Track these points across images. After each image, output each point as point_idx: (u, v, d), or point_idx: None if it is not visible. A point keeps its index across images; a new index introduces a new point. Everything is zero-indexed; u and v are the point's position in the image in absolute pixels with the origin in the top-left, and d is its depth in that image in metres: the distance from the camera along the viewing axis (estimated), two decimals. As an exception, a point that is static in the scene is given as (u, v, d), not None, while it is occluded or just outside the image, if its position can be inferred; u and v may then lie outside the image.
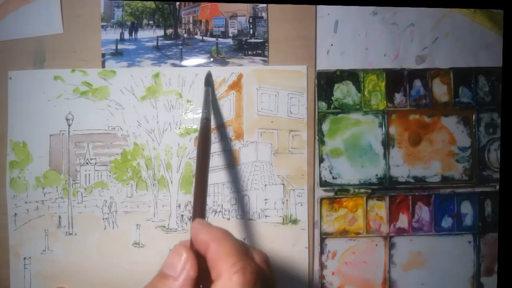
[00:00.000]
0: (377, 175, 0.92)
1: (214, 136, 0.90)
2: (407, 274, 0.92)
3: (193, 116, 0.90)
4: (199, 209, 0.63)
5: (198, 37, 0.91)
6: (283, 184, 0.90)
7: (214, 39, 0.91)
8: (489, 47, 0.92)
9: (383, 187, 0.92)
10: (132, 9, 0.90)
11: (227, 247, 0.53)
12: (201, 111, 0.82)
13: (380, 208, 0.92)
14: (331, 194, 0.91)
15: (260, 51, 0.90)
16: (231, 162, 0.90)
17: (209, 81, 0.88)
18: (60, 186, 0.88)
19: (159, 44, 0.91)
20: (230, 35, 0.91)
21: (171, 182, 0.89)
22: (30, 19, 0.88)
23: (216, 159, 0.90)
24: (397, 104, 0.92)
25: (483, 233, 0.92)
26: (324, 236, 0.91)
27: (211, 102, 0.86)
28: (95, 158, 0.89)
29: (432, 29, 0.92)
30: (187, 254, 0.54)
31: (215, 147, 0.90)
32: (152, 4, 0.90)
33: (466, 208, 0.93)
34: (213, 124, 0.89)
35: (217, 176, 0.90)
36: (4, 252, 0.88)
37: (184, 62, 0.90)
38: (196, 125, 0.89)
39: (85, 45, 0.89)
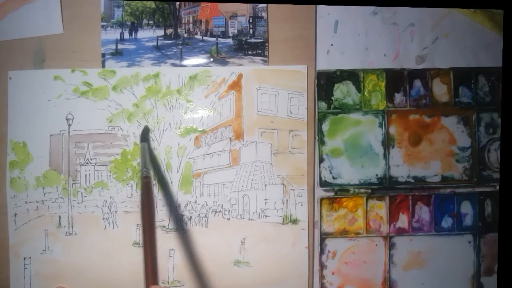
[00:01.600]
0: (377, 175, 0.92)
1: (214, 136, 0.90)
2: (407, 274, 0.92)
3: (193, 116, 0.89)
4: (151, 275, 0.62)
5: (198, 37, 0.91)
6: (283, 184, 0.90)
7: (214, 39, 0.91)
8: (489, 47, 0.92)
9: (383, 187, 0.92)
10: (132, 9, 0.90)
11: None
12: (144, 164, 0.81)
13: (380, 208, 0.92)
14: (331, 194, 0.91)
15: (260, 51, 0.90)
16: (231, 162, 0.90)
17: (145, 137, 0.88)
18: (60, 186, 0.88)
19: (159, 44, 0.91)
20: (230, 35, 0.91)
21: (171, 182, 0.89)
22: (30, 19, 0.88)
23: (216, 159, 0.90)
24: (397, 104, 0.92)
25: (483, 233, 0.93)
26: (324, 236, 0.91)
27: (149, 159, 0.86)
28: (95, 158, 0.89)
29: (432, 29, 0.92)
30: None
31: (215, 147, 0.90)
32: (152, 4, 0.90)
33: (466, 208, 0.93)
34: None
35: (217, 176, 0.90)
36: (4, 252, 0.88)
37: (184, 62, 0.90)
38: (196, 125, 0.89)
39: (85, 45, 0.89)
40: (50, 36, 0.88)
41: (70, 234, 0.88)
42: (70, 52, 0.89)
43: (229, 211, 0.90)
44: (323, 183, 0.91)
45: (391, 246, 0.92)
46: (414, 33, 0.91)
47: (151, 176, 0.78)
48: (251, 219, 0.90)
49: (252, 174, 0.90)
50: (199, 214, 0.89)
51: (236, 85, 0.90)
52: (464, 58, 0.92)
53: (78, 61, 0.89)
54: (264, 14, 0.90)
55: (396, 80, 0.92)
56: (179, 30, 0.91)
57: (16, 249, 0.88)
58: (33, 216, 0.88)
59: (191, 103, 0.90)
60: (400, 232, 0.92)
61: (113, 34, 0.90)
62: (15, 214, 0.88)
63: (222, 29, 0.91)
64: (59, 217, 0.88)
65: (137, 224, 0.88)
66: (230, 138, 0.90)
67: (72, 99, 0.89)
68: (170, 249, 0.88)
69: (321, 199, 0.91)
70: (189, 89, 0.89)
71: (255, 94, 0.90)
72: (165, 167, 0.89)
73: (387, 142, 0.91)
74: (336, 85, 0.91)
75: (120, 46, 0.90)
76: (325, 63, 0.91)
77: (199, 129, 0.89)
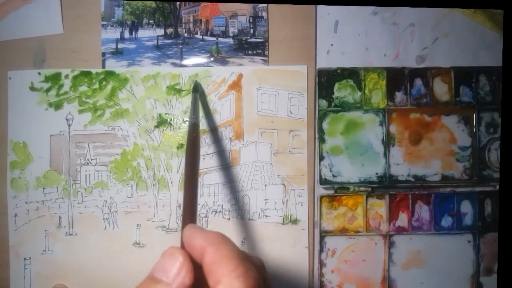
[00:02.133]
0: (377, 173, 0.92)
1: (214, 136, 0.90)
2: (406, 273, 0.92)
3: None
4: (190, 214, 0.60)
5: (198, 36, 0.91)
6: (283, 184, 0.90)
7: (214, 38, 0.91)
8: (489, 47, 0.92)
9: (383, 185, 0.92)
10: (132, 8, 0.90)
11: (226, 251, 0.49)
12: (193, 112, 0.80)
13: (380, 207, 0.92)
14: (331, 192, 0.91)
15: (260, 51, 0.90)
16: (231, 162, 0.90)
17: (197, 88, 0.87)
18: (60, 186, 0.88)
19: (159, 43, 0.91)
20: (230, 34, 0.91)
21: (171, 182, 0.89)
22: (30, 19, 0.88)
23: (216, 159, 0.90)
24: (397, 102, 0.92)
25: (483, 232, 0.93)
26: (323, 234, 0.91)
27: (199, 108, 0.86)
28: (96, 158, 0.89)
29: (432, 29, 0.91)
30: (183, 259, 0.50)
31: (215, 147, 0.90)
32: (152, 3, 0.90)
33: (466, 207, 0.93)
34: (207, 127, 0.90)
35: (217, 176, 0.90)
36: (4, 253, 0.88)
37: (184, 62, 0.90)
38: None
39: (85, 45, 0.89)
40: (50, 36, 0.88)
41: (71, 234, 0.88)
42: (70, 52, 0.88)
43: (229, 211, 0.90)
44: (323, 181, 0.91)
45: (391, 245, 0.92)
46: (414, 33, 0.91)
47: (198, 123, 0.77)
48: (251, 219, 0.90)
49: (252, 174, 0.90)
50: (199, 214, 0.89)
51: (236, 85, 0.90)
52: (464, 58, 0.92)
53: (78, 61, 0.89)
54: (264, 14, 0.90)
55: (397, 78, 0.91)
56: (179, 29, 0.91)
57: (16, 250, 0.88)
58: (34, 216, 0.88)
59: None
60: (400, 230, 0.92)
61: (113, 33, 0.90)
62: (15, 215, 0.88)
63: (223, 28, 0.91)
64: (59, 217, 0.88)
65: (137, 224, 0.88)
66: (230, 138, 0.90)
67: (72, 99, 0.89)
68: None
69: (321, 197, 0.91)
70: (189, 89, 0.89)
71: (255, 94, 0.90)
72: (165, 167, 0.90)
73: (388, 141, 0.91)
74: (336, 83, 0.91)
75: (120, 45, 0.90)
76: (325, 63, 0.90)
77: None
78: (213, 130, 0.90)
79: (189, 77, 0.89)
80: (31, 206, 0.88)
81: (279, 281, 0.90)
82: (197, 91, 0.87)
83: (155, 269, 0.51)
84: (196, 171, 0.68)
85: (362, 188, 0.92)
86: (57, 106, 0.88)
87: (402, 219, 0.92)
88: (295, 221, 0.90)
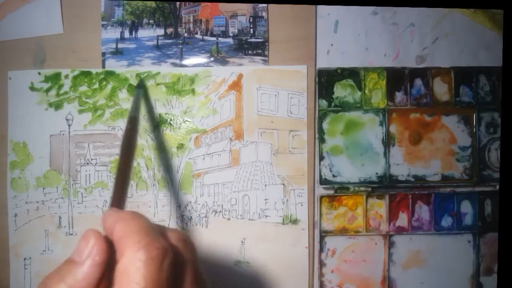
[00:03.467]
0: (377, 173, 0.92)
1: (214, 136, 0.90)
2: (406, 273, 0.92)
3: (193, 116, 0.89)
4: (116, 199, 0.61)
5: (199, 36, 0.91)
6: (283, 184, 0.90)
7: (214, 38, 0.91)
8: (489, 47, 0.92)
9: (383, 185, 0.92)
10: (132, 8, 0.90)
11: (133, 226, 0.50)
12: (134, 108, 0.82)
13: (380, 207, 0.92)
14: (331, 192, 0.91)
15: (260, 51, 0.90)
16: (231, 162, 0.90)
17: (140, 85, 0.89)
18: (60, 186, 0.88)
19: (159, 43, 0.91)
20: (230, 34, 0.91)
21: (171, 182, 0.89)
22: (30, 19, 0.88)
23: (216, 159, 0.90)
24: (397, 102, 0.92)
25: (483, 232, 0.93)
26: (323, 234, 0.91)
27: (141, 104, 0.87)
28: (96, 158, 0.89)
29: (432, 29, 0.91)
30: (95, 239, 0.49)
31: (216, 147, 0.90)
32: (152, 3, 0.90)
33: (466, 207, 0.93)
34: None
35: (217, 176, 0.90)
36: (4, 253, 0.88)
37: (184, 62, 0.90)
38: (196, 125, 0.90)
39: (85, 45, 0.89)
40: (50, 36, 0.88)
41: (71, 234, 0.88)
42: (70, 52, 0.89)
43: (229, 211, 0.90)
44: (323, 181, 0.91)
45: (391, 245, 0.92)
46: (414, 33, 0.91)
47: (138, 118, 0.78)
48: (251, 219, 0.90)
49: (252, 174, 0.90)
50: (199, 214, 0.89)
51: (236, 85, 0.90)
52: (464, 59, 0.92)
53: (78, 61, 0.89)
54: (264, 14, 0.90)
55: (397, 78, 0.91)
56: (179, 29, 0.91)
57: (16, 250, 0.88)
58: (34, 216, 0.88)
59: (191, 103, 0.89)
60: (400, 230, 0.92)
61: (113, 33, 0.90)
62: (16, 215, 0.88)
63: (223, 28, 0.91)
64: (60, 217, 0.88)
65: (137, 224, 0.89)
66: (230, 138, 0.90)
67: (72, 99, 0.89)
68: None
69: (321, 197, 0.91)
70: (189, 89, 0.89)
71: (255, 94, 0.90)
72: (165, 167, 0.90)
73: (388, 141, 0.91)
74: (336, 83, 0.91)
75: (120, 45, 0.90)
76: (325, 63, 0.90)
77: (199, 129, 0.89)
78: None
79: (190, 77, 0.89)
80: (31, 206, 0.88)
81: (279, 281, 0.90)
82: (141, 87, 0.88)
83: (73, 252, 0.51)
84: (130, 161, 0.70)
85: (362, 188, 0.92)
86: (57, 106, 0.88)
87: (402, 219, 0.92)
88: (295, 221, 0.90)
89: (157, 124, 0.90)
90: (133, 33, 0.90)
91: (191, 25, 0.91)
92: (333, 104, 0.91)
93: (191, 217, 0.89)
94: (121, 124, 0.89)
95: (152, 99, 0.90)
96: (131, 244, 0.48)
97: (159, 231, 0.52)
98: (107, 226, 0.52)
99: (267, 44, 0.90)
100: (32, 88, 0.88)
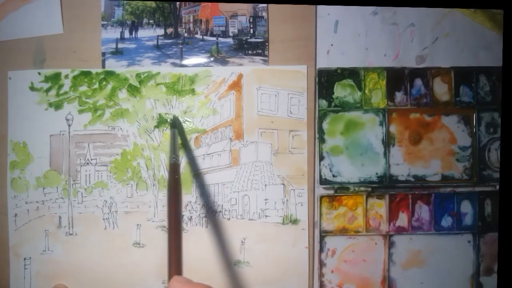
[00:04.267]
0: (377, 173, 0.92)
1: (214, 136, 0.90)
2: (406, 273, 0.92)
3: (193, 116, 0.90)
4: (175, 265, 0.60)
5: (199, 36, 0.91)
6: (283, 184, 0.90)
7: (214, 38, 0.91)
8: (489, 47, 0.92)
9: (383, 185, 0.92)
10: (132, 8, 0.90)
11: None
12: (173, 150, 0.79)
13: (380, 207, 0.92)
14: (331, 192, 0.91)
15: (260, 51, 0.90)
16: (231, 162, 0.90)
17: (175, 124, 0.88)
18: (60, 186, 0.88)
19: (159, 43, 0.91)
20: (231, 34, 0.91)
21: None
22: (30, 19, 0.88)
23: (216, 159, 0.90)
24: (397, 102, 0.92)
25: (483, 232, 0.93)
26: (323, 234, 0.91)
27: (179, 145, 0.86)
28: (96, 159, 0.89)
29: (432, 29, 0.91)
30: None
31: (215, 147, 0.90)
32: (152, 3, 0.90)
33: (466, 207, 0.93)
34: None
35: (217, 176, 0.90)
36: (4, 253, 0.88)
37: (184, 62, 0.90)
38: (196, 125, 0.90)
39: (85, 45, 0.89)
40: (50, 36, 0.88)
41: (71, 234, 0.88)
42: (70, 52, 0.89)
43: (229, 211, 0.90)
44: (323, 181, 0.91)
45: (391, 245, 0.92)
46: (414, 33, 0.91)
47: (179, 163, 0.77)
48: (251, 219, 0.90)
49: (252, 174, 0.90)
50: (199, 214, 0.89)
51: (236, 85, 0.90)
52: (464, 59, 0.92)
53: (78, 61, 0.89)
54: (264, 14, 0.90)
55: (397, 78, 0.91)
56: (179, 29, 0.91)
57: (16, 250, 0.88)
58: (34, 216, 0.88)
59: (191, 103, 0.90)
60: (400, 230, 0.92)
61: (113, 33, 0.90)
62: (16, 215, 0.88)
63: (223, 28, 0.91)
64: (59, 217, 0.88)
65: (137, 224, 0.88)
66: (230, 138, 0.90)
67: (72, 99, 0.89)
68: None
69: (321, 197, 0.91)
70: (189, 89, 0.89)
71: (255, 94, 0.90)
72: (165, 167, 0.90)
73: (388, 141, 0.91)
74: (336, 83, 0.91)
75: (120, 45, 0.90)
76: (325, 63, 0.90)
77: (199, 129, 0.90)
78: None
79: (190, 77, 0.89)
80: (31, 206, 0.88)
81: (279, 281, 0.90)
82: (175, 126, 0.87)
83: None
84: (180, 218, 0.68)
85: (362, 188, 0.92)
86: (57, 106, 0.88)
87: (402, 219, 0.92)
88: (295, 221, 0.90)
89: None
90: (133, 33, 0.90)
91: (191, 25, 0.91)
92: (333, 104, 0.91)
93: (191, 217, 0.89)
94: (121, 124, 0.89)
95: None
96: None
97: None
98: None
99: (267, 44, 0.90)
100: (32, 88, 0.88)
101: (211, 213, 0.90)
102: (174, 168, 0.74)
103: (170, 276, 0.58)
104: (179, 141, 0.87)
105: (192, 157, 0.90)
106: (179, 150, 0.84)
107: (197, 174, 0.90)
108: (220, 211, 0.90)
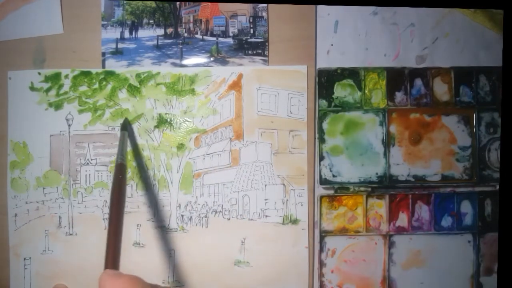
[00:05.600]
0: (377, 173, 0.92)
1: (214, 136, 0.90)
2: (406, 273, 0.92)
3: (193, 116, 0.90)
4: (111, 260, 0.62)
5: (199, 36, 0.91)
6: (283, 184, 0.90)
7: (214, 38, 0.91)
8: (489, 47, 0.92)
9: (383, 185, 0.92)
10: (132, 8, 0.90)
11: None
12: (120, 152, 0.80)
13: (380, 207, 0.92)
14: (331, 192, 0.91)
15: (260, 51, 0.90)
16: (231, 162, 0.90)
17: (125, 126, 0.88)
18: (60, 186, 0.88)
19: (159, 43, 0.91)
20: (231, 34, 0.91)
21: (171, 182, 0.89)
22: (30, 19, 0.88)
23: (216, 159, 0.90)
24: (397, 102, 0.92)
25: (482, 232, 0.93)
26: (323, 234, 0.91)
27: (127, 147, 0.86)
28: (96, 159, 0.89)
29: (432, 29, 0.91)
30: None
31: (215, 147, 0.90)
32: (152, 3, 0.90)
33: (466, 207, 0.93)
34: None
35: (217, 176, 0.90)
36: (4, 253, 0.88)
37: (184, 62, 0.90)
38: (196, 125, 0.90)
39: (85, 45, 0.89)
40: (50, 36, 0.88)
41: (71, 234, 0.88)
42: (70, 52, 0.88)
43: (229, 211, 0.90)
44: (323, 181, 0.91)
45: (391, 245, 0.92)
46: (414, 33, 0.91)
47: (125, 163, 0.78)
48: (251, 219, 0.90)
49: (252, 174, 0.90)
50: (199, 214, 0.89)
51: (236, 85, 0.90)
52: (464, 59, 0.92)
53: (78, 61, 0.89)
54: (264, 14, 0.90)
55: (397, 78, 0.91)
56: (179, 29, 0.91)
57: (16, 250, 0.88)
58: (34, 216, 0.88)
59: (191, 103, 0.90)
60: (400, 230, 0.92)
61: (113, 33, 0.90)
62: (16, 215, 0.88)
63: (223, 28, 0.91)
64: (59, 217, 0.88)
65: (137, 224, 0.88)
66: (230, 138, 0.90)
67: (72, 99, 0.89)
68: (170, 250, 0.89)
69: (321, 197, 0.91)
70: (189, 89, 0.89)
71: (255, 94, 0.90)
72: (165, 167, 0.90)
73: (388, 141, 0.91)
74: (336, 83, 0.91)
75: (120, 45, 0.90)
76: (325, 63, 0.90)
77: (199, 129, 0.90)
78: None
79: (190, 77, 0.89)
80: (31, 206, 0.88)
81: (279, 281, 0.90)
82: (126, 129, 0.88)
83: None
84: (121, 215, 0.68)
85: (362, 188, 0.92)
86: (57, 106, 0.88)
87: (402, 219, 0.92)
88: (295, 221, 0.90)
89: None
90: (133, 33, 0.90)
91: (191, 25, 0.91)
92: (333, 104, 0.91)
93: (191, 217, 0.89)
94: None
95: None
96: None
97: None
98: None
99: (267, 44, 0.90)
100: (32, 88, 0.88)
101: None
102: (119, 168, 0.75)
103: (105, 268, 0.60)
104: (128, 143, 0.87)
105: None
106: (126, 151, 0.83)
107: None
108: (220, 211, 0.90)
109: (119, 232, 0.66)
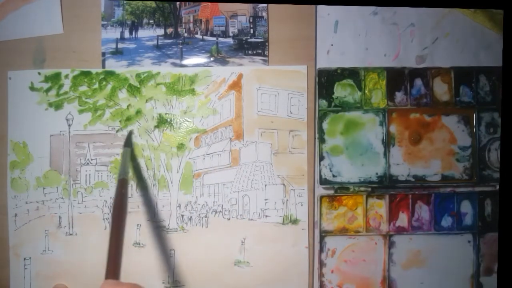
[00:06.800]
0: (377, 173, 0.92)
1: (214, 136, 0.90)
2: (406, 273, 0.92)
3: (193, 116, 0.90)
4: (112, 270, 0.62)
5: (199, 36, 0.91)
6: (283, 184, 0.90)
7: (214, 38, 0.91)
8: (489, 47, 0.92)
9: (383, 185, 0.92)
10: (132, 8, 0.90)
11: None
12: (123, 168, 0.82)
13: (380, 207, 0.92)
14: (331, 192, 0.91)
15: (260, 51, 0.90)
16: (231, 162, 0.90)
17: (128, 142, 0.89)
18: (60, 186, 0.88)
19: (159, 43, 0.90)
20: (231, 34, 0.91)
21: (171, 182, 0.89)
22: (30, 19, 0.88)
23: (216, 159, 0.90)
24: (397, 102, 0.92)
25: (482, 232, 0.93)
26: (323, 234, 0.91)
27: (129, 163, 0.87)
28: (96, 159, 0.89)
29: (432, 29, 0.91)
30: None
31: (215, 147, 0.90)
32: (152, 3, 0.90)
33: (466, 207, 0.93)
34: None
35: (217, 176, 0.90)
36: (4, 253, 0.88)
37: (184, 62, 0.90)
38: (196, 125, 0.90)
39: (85, 45, 0.89)
40: (50, 36, 0.88)
41: (71, 234, 0.88)
42: (70, 52, 0.89)
43: (229, 211, 0.90)
44: (323, 181, 0.91)
45: (391, 245, 0.92)
46: (414, 33, 0.91)
47: (127, 179, 0.78)
48: (251, 219, 0.90)
49: (252, 174, 0.90)
50: (199, 214, 0.89)
51: (236, 85, 0.90)
52: (464, 58, 0.92)
53: (78, 61, 0.89)
54: (264, 14, 0.90)
55: (397, 78, 0.91)
56: (179, 29, 0.91)
57: (16, 250, 0.88)
58: (34, 216, 0.88)
59: (191, 103, 0.90)
60: (400, 230, 0.92)
61: (114, 33, 0.90)
62: (16, 215, 0.88)
63: (223, 28, 0.91)
64: (60, 217, 0.88)
65: (137, 224, 0.88)
66: (230, 138, 0.90)
67: (72, 99, 0.89)
68: (170, 250, 0.89)
69: (321, 197, 0.91)
70: (189, 89, 0.89)
71: (255, 94, 0.90)
72: (165, 167, 0.90)
73: (388, 141, 0.91)
74: (336, 83, 0.91)
75: (120, 45, 0.90)
76: (325, 63, 0.90)
77: (199, 129, 0.90)
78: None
79: (190, 77, 0.89)
80: (31, 206, 0.88)
81: (279, 281, 0.90)
82: (130, 146, 0.88)
83: None
84: (122, 228, 0.70)
85: (362, 188, 0.92)
86: (57, 106, 0.88)
87: (402, 219, 0.92)
88: (295, 221, 0.90)
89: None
90: (133, 33, 0.90)
91: (191, 25, 0.91)
92: (333, 104, 0.91)
93: (191, 217, 0.89)
94: (121, 124, 0.89)
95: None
96: None
97: None
98: None
99: (267, 44, 0.90)
100: (32, 88, 0.88)
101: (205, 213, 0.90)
102: (121, 184, 0.76)
103: (105, 279, 0.61)
104: (129, 160, 0.87)
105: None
106: (129, 168, 0.84)
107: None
108: (220, 211, 0.90)
109: (120, 244, 0.67)
